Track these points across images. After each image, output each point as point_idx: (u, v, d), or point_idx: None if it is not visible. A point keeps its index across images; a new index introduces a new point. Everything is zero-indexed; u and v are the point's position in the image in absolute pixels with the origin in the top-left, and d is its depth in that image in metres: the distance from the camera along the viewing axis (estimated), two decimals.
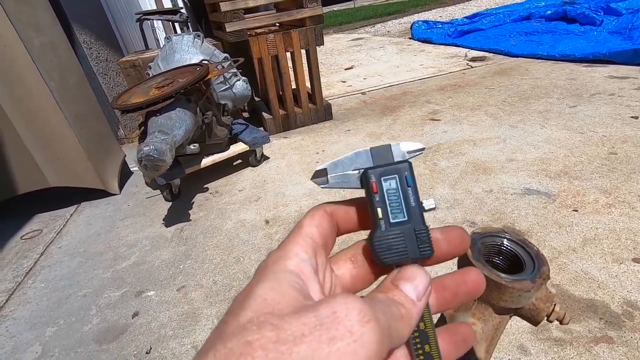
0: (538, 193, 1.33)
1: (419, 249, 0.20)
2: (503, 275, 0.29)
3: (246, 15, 2.11)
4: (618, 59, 2.46)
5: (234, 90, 2.04)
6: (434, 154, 1.72)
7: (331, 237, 0.21)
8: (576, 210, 1.22)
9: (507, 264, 0.32)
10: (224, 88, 2.00)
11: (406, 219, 0.20)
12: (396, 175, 0.20)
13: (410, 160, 0.21)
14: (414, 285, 0.19)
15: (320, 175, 0.21)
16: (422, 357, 0.19)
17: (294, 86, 2.35)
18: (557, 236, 1.13)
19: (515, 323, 0.89)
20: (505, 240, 0.31)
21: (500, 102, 2.19)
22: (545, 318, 0.30)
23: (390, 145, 0.21)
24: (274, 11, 2.41)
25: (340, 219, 0.22)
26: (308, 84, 2.39)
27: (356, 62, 3.90)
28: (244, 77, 2.09)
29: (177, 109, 1.54)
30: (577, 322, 0.87)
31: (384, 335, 0.15)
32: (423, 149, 0.21)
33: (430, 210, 0.21)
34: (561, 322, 0.30)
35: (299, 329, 0.14)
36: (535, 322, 0.29)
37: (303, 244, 0.19)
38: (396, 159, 0.21)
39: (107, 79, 2.56)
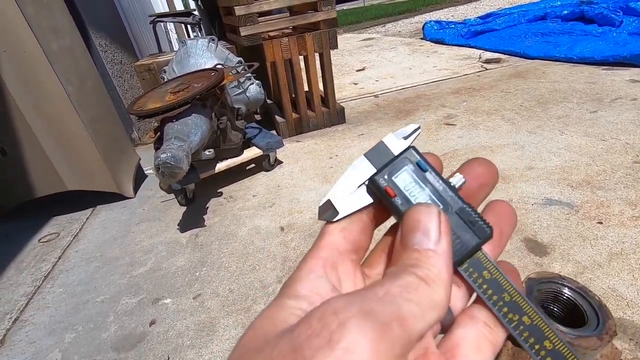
0: (560, 203, 1.30)
1: (474, 231, 0.16)
2: (566, 330, 0.27)
3: (260, 19, 2.10)
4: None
5: (247, 94, 2.04)
6: (450, 161, 1.70)
7: (364, 235, 0.18)
8: (601, 223, 1.18)
9: (565, 312, 0.31)
10: (237, 92, 2.00)
11: (441, 207, 0.17)
12: (406, 167, 0.18)
13: (411, 145, 0.18)
14: (422, 231, 0.15)
15: (326, 210, 0.18)
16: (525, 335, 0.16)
17: (306, 89, 2.33)
18: (582, 250, 1.10)
19: None
20: (565, 288, 0.29)
21: (517, 107, 2.15)
22: None
23: (382, 141, 0.18)
24: (287, 14, 2.39)
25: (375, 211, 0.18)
26: (321, 87, 2.37)
27: (368, 64, 3.88)
28: (257, 81, 2.08)
29: (193, 114, 1.54)
30: None
31: (384, 329, 0.12)
32: (418, 128, 0.19)
33: (462, 185, 0.18)
34: None
35: None
36: None
37: (320, 257, 0.16)
38: (396, 152, 0.18)
39: (122, 82, 2.58)
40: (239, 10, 1.95)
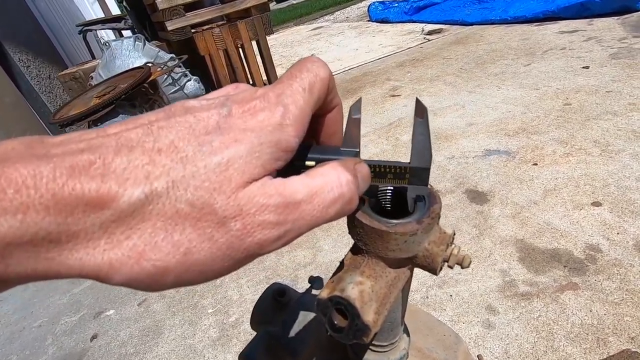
0: (498, 152, 1.32)
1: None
2: (383, 219, 0.24)
3: (189, 12, 2.01)
4: (566, 14, 2.49)
5: (185, 92, 1.96)
6: (395, 129, 1.69)
7: None
8: (536, 164, 1.21)
9: (399, 206, 0.28)
10: (173, 90, 1.92)
11: None
12: None
13: None
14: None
15: None
16: None
17: (251, 81, 2.27)
18: (519, 192, 1.11)
19: (483, 284, 0.87)
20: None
21: (457, 70, 2.18)
22: (445, 264, 0.26)
23: None
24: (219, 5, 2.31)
25: None
26: (264, 76, 2.32)
27: (316, 51, 3.84)
28: (194, 77, 2.01)
29: (120, 115, 1.45)
30: (542, 273, 0.85)
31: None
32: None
33: None
34: (462, 266, 0.26)
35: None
36: (433, 270, 0.25)
37: None
38: None
39: (52, 97, 2.42)
40: (162, 4, 1.86)
